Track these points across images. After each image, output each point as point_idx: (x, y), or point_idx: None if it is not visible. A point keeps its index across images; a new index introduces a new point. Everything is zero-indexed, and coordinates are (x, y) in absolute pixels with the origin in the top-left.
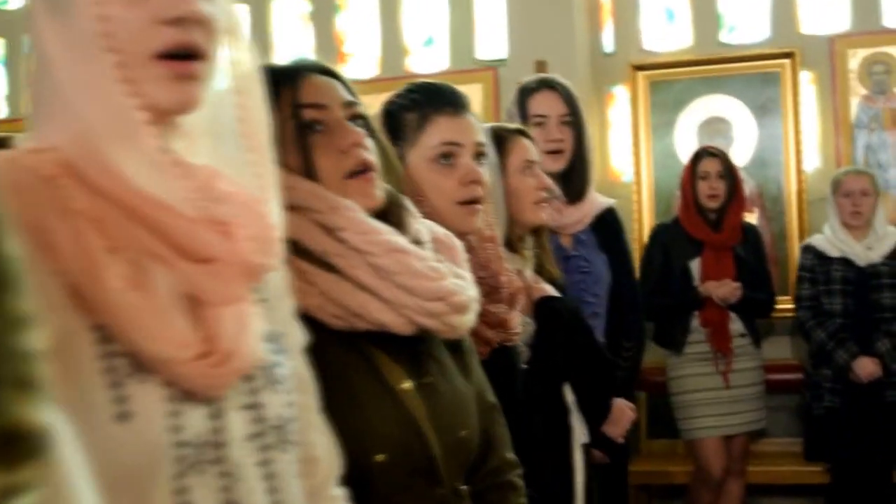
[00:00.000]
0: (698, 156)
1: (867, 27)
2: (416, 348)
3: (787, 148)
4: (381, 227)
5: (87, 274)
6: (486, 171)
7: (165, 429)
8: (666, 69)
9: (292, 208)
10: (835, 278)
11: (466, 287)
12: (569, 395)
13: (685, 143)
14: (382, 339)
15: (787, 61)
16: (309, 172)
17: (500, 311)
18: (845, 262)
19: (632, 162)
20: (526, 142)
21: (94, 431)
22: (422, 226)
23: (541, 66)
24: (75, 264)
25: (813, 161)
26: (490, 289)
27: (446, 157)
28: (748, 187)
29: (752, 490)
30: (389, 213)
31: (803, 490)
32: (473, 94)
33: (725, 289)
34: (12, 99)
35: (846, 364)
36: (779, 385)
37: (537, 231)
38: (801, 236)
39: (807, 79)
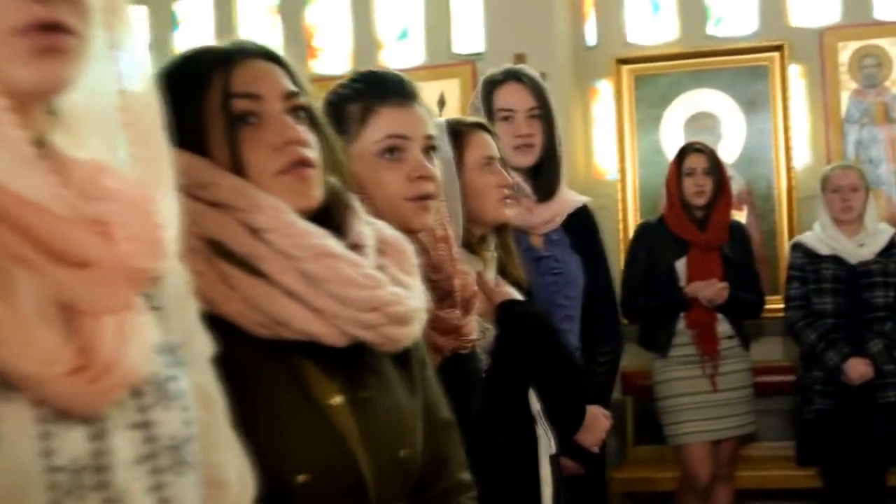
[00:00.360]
0: (684, 152)
1: (858, 19)
2: (353, 360)
3: (777, 144)
4: (312, 230)
5: None
6: (437, 166)
7: (35, 453)
8: (651, 63)
9: (216, 206)
10: (825, 277)
11: (409, 296)
12: (535, 404)
13: (671, 140)
14: (315, 350)
15: (775, 54)
16: (237, 168)
17: (452, 317)
18: (836, 260)
19: (616, 159)
20: (486, 136)
21: None
22: (367, 227)
23: (520, 59)
24: None
25: (803, 157)
26: (443, 293)
27: (392, 150)
28: (736, 185)
29: (741, 496)
30: (331, 214)
31: (795, 495)
32: (451, 89)
33: (712, 289)
34: None
35: (837, 366)
36: (770, 387)
37: (500, 230)
38: (791, 234)
39: (796, 72)
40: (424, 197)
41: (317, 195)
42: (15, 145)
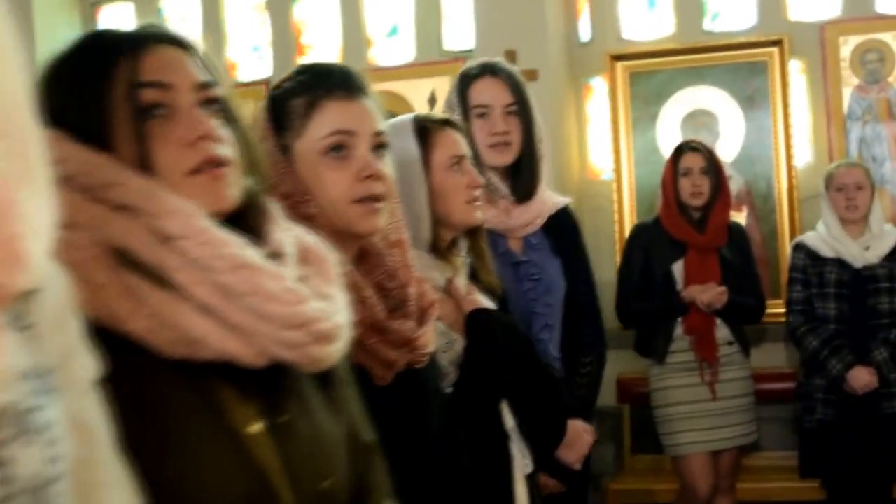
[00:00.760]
0: (680, 151)
1: (859, 13)
2: (272, 381)
3: (777, 142)
4: (228, 238)
5: None
6: (389, 165)
7: None
8: (646, 59)
9: (121, 209)
10: (829, 281)
11: (334, 311)
12: (509, 420)
13: (668, 138)
14: (230, 371)
15: (775, 49)
16: (145, 166)
17: (405, 328)
18: (840, 263)
19: (611, 159)
20: (455, 134)
21: None
22: (286, 234)
23: (510, 56)
24: None
25: (804, 155)
26: (398, 302)
27: (338, 148)
28: (736, 184)
29: None
30: (246, 218)
31: None
32: (441, 86)
33: (710, 293)
34: None
35: (840, 374)
36: (772, 395)
37: (473, 234)
38: (793, 236)
39: (796, 68)
40: (373, 198)
41: (232, 196)
42: None
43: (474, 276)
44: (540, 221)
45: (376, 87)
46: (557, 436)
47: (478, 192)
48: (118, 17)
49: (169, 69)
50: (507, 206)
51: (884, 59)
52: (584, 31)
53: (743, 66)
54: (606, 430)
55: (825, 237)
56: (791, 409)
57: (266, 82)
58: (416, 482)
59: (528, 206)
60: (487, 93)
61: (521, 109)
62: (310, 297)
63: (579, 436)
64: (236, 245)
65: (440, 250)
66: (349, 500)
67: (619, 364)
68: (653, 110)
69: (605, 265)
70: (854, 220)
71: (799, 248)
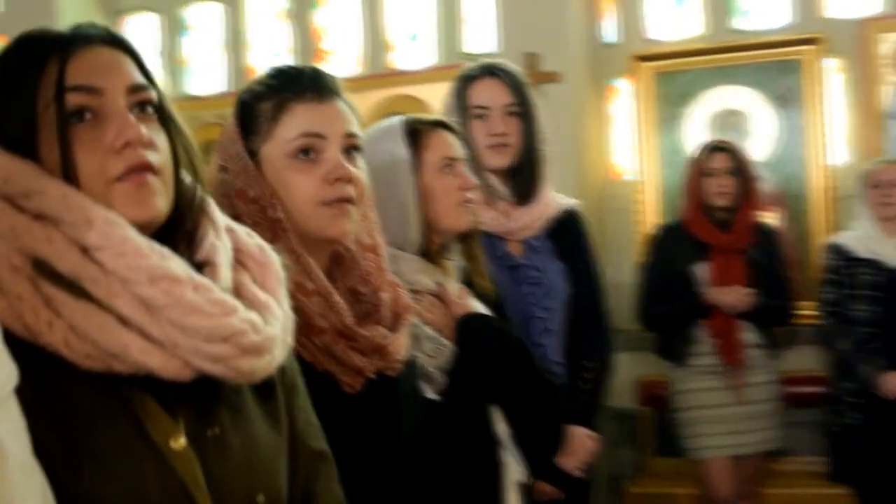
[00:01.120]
0: (705, 151)
1: None
2: (203, 393)
3: (812, 142)
4: (148, 248)
5: None
6: (361, 168)
7: None
8: (672, 59)
9: (41, 219)
10: (862, 282)
11: (268, 320)
12: (501, 427)
13: (694, 139)
14: (156, 384)
15: (809, 48)
16: (69, 173)
17: (375, 335)
18: (874, 264)
19: (636, 160)
20: (447, 136)
21: None
22: (221, 240)
23: (531, 58)
24: None
25: (841, 155)
26: (371, 307)
27: (307, 151)
28: (768, 185)
29: None
30: (181, 225)
31: None
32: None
33: (733, 295)
34: None
35: (871, 378)
36: (803, 399)
37: (467, 237)
38: (828, 236)
39: (832, 67)
40: (342, 201)
41: (160, 206)
42: None
43: (469, 281)
44: (541, 224)
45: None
46: (555, 442)
47: (470, 195)
48: (143, 27)
49: (99, 72)
50: (506, 209)
51: None
52: (609, 33)
53: (773, 65)
54: (625, 433)
55: (860, 236)
56: (822, 414)
57: None
58: (386, 490)
59: (529, 208)
60: (486, 93)
61: (522, 110)
62: (237, 309)
63: (580, 442)
64: (157, 255)
65: (431, 254)
66: None
67: (639, 366)
68: (678, 111)
69: (628, 267)
70: (890, 217)
71: (832, 248)
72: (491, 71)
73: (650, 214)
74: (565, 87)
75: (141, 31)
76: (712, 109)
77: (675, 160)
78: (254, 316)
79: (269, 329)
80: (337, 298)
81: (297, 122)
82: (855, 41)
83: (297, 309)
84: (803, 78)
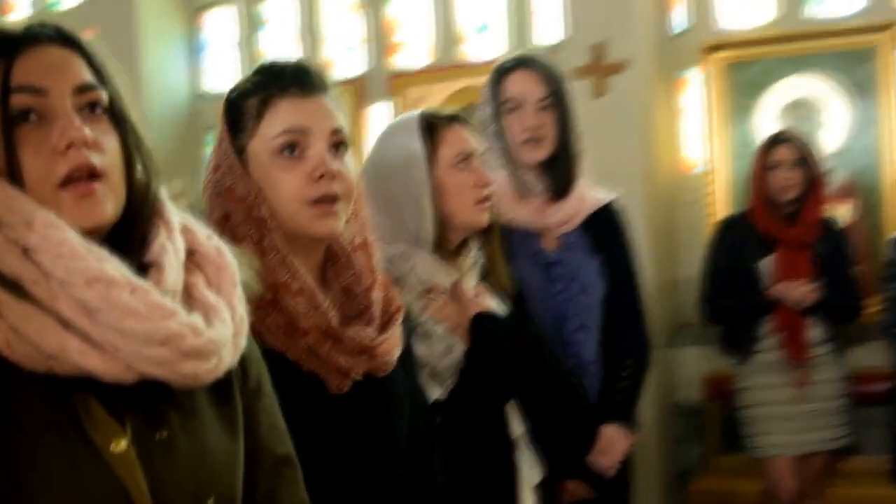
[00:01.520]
0: (770, 143)
1: None
2: (153, 396)
3: (886, 132)
4: (86, 251)
5: None
6: (349, 164)
7: None
8: (743, 49)
9: None
10: None
11: (210, 326)
12: (516, 428)
13: (766, 129)
14: (102, 386)
15: (883, 35)
16: (14, 175)
17: (362, 336)
18: None
19: (706, 152)
20: (463, 131)
21: None
22: (173, 241)
23: (599, 49)
24: None
25: None
26: (364, 307)
27: (291, 148)
28: (839, 177)
29: None
30: (133, 227)
31: None
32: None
33: (799, 291)
34: None
35: None
36: (872, 397)
37: (486, 234)
38: None
39: None
40: (328, 199)
41: (106, 212)
42: None
43: (487, 279)
44: (578, 220)
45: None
46: (584, 441)
47: (487, 192)
48: (221, 22)
49: (45, 72)
50: (541, 204)
51: None
52: (678, 22)
53: (848, 53)
54: (691, 429)
55: None
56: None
57: (360, 81)
58: (375, 492)
59: (564, 203)
60: (520, 86)
61: (556, 103)
62: (176, 312)
63: (613, 441)
64: (93, 258)
65: (447, 251)
66: None
67: (706, 361)
68: (749, 101)
69: (699, 261)
70: None
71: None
72: (525, 63)
73: (721, 207)
74: (633, 78)
75: (219, 25)
76: (784, 100)
77: (746, 152)
78: (196, 319)
79: (213, 333)
80: (321, 299)
81: (280, 118)
82: None
83: (283, 309)
84: (877, 66)
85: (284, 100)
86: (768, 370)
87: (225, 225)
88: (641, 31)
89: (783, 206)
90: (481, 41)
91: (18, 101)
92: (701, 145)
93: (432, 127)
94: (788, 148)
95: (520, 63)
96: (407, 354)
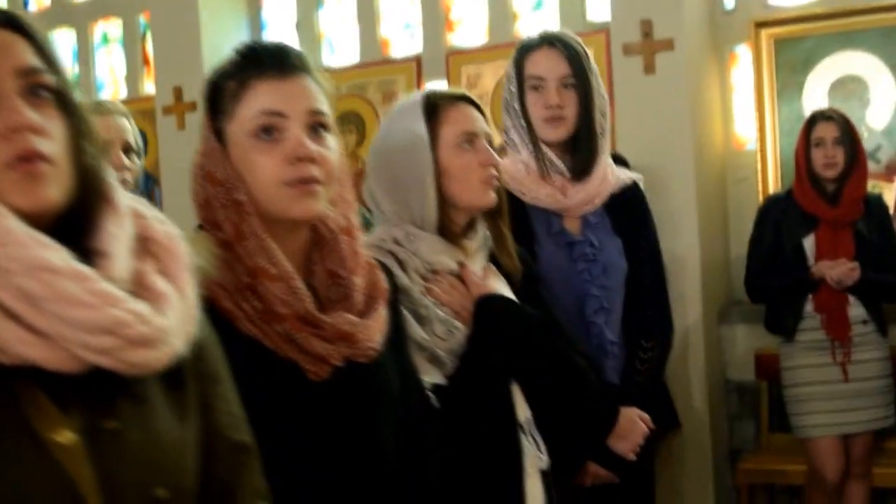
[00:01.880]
0: (812, 120)
1: None
2: (102, 385)
3: None
4: (28, 238)
5: None
6: (332, 146)
7: None
8: (792, 25)
9: None
10: None
11: (158, 313)
12: (522, 412)
13: (815, 107)
14: (49, 377)
15: None
16: None
17: (341, 322)
18: None
19: (755, 129)
20: (468, 110)
21: None
22: (122, 227)
23: (646, 26)
24: None
25: None
26: (346, 292)
27: (268, 130)
28: (886, 154)
29: (879, 494)
30: (82, 214)
31: None
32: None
33: (840, 269)
34: (130, 79)
35: None
36: None
37: (493, 215)
38: None
39: None
40: (307, 181)
41: (50, 195)
42: None
43: (496, 261)
44: (600, 200)
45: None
46: (599, 425)
47: (492, 172)
48: (281, 2)
49: None
50: (563, 184)
51: None
52: None
53: None
54: (746, 407)
55: None
56: None
57: (417, 59)
58: (356, 481)
59: (586, 183)
60: (542, 64)
61: (579, 83)
62: (122, 299)
63: (632, 425)
64: (36, 246)
65: (452, 233)
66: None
67: (755, 339)
68: (799, 78)
69: (749, 239)
70: None
71: None
72: (549, 41)
73: (771, 185)
74: (682, 55)
75: (279, 4)
76: (832, 77)
77: (796, 129)
78: (142, 307)
79: (161, 320)
80: (299, 284)
81: (258, 100)
82: None
83: (260, 295)
84: None
85: (262, 81)
86: (811, 350)
87: (207, 209)
88: (690, 7)
89: (826, 184)
90: (536, 19)
91: None
92: (751, 122)
93: (436, 107)
94: (830, 125)
95: (543, 41)
96: (399, 338)
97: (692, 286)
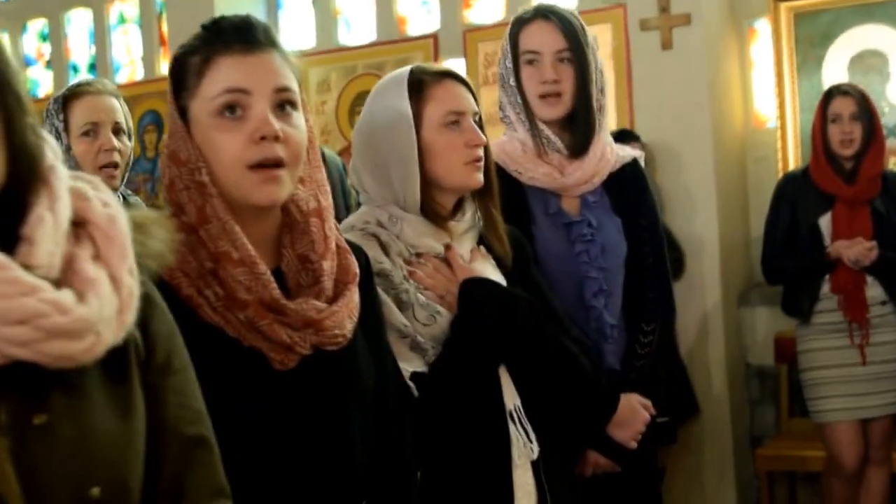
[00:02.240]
0: (829, 95)
1: None
2: (30, 379)
3: None
4: None
5: None
6: (299, 125)
7: None
8: None
9: None
10: None
11: (82, 302)
12: (510, 401)
13: (835, 82)
14: None
15: None
16: None
17: (306, 308)
18: None
19: (775, 105)
20: (455, 87)
21: None
22: (55, 211)
23: (663, 1)
24: None
25: None
26: (315, 276)
27: (232, 108)
28: None
29: None
30: (13, 198)
31: None
32: (603, 34)
33: (857, 249)
34: (147, 60)
35: None
36: None
37: (482, 196)
38: None
39: None
40: (271, 164)
41: None
42: None
43: (486, 244)
44: (598, 179)
45: None
46: (595, 412)
47: (478, 153)
48: None
49: None
50: (560, 162)
51: None
52: None
53: None
54: (767, 392)
55: None
56: None
57: (434, 36)
58: (324, 468)
59: (584, 162)
60: (537, 38)
61: (576, 57)
62: (38, 288)
63: (633, 412)
64: None
65: (439, 215)
66: (160, 502)
67: (776, 322)
68: (818, 53)
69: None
70: None
71: None
72: (543, 14)
73: (791, 163)
74: (699, 30)
75: None
76: (852, 51)
77: (815, 106)
78: (64, 295)
79: (84, 310)
80: (263, 269)
81: (221, 76)
82: None
83: (222, 280)
84: None
85: (225, 57)
86: (827, 332)
87: (171, 191)
88: None
89: (843, 161)
90: None
91: None
92: (771, 99)
93: (421, 84)
94: (847, 100)
95: (538, 14)
96: (375, 324)
97: (711, 268)
